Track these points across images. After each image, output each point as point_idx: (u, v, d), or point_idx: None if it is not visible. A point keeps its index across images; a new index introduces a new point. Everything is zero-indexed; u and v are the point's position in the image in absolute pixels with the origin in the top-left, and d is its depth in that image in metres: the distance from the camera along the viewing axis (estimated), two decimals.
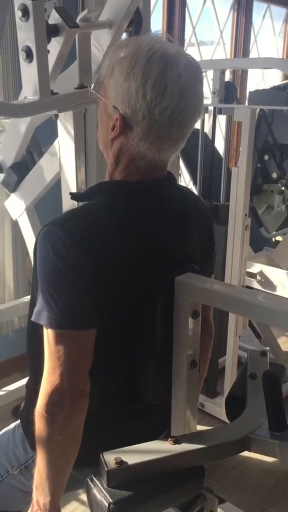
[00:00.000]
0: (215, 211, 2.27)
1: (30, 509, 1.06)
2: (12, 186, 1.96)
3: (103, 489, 0.88)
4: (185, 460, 0.94)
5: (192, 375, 1.07)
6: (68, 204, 1.61)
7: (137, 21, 1.56)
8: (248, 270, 2.16)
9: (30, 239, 2.08)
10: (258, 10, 4.03)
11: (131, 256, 1.00)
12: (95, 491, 0.89)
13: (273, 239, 3.01)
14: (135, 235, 1.01)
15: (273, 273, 2.11)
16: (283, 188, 2.74)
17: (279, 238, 2.98)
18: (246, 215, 2.09)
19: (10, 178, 1.95)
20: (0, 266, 2.39)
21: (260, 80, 4.23)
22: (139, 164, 1.01)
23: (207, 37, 3.79)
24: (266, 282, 2.12)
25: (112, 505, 0.86)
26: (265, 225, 2.67)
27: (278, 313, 0.91)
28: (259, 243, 2.67)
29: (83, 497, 1.90)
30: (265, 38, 4.25)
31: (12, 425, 1.26)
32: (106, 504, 0.86)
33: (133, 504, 0.88)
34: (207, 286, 1.03)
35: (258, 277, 2.12)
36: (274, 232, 2.71)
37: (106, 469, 0.87)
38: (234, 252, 2.13)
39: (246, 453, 2.21)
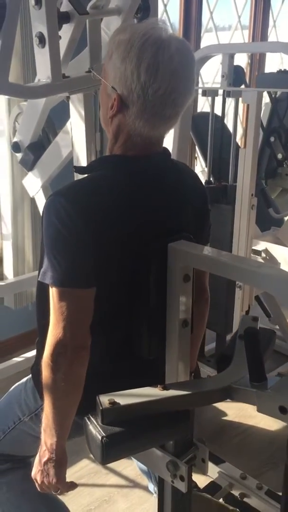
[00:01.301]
0: (223, 191, 2.35)
1: (39, 450, 1.18)
2: (30, 165, 2.09)
3: (97, 425, 1.00)
4: (172, 404, 1.04)
5: (184, 333, 1.16)
6: None
7: (145, 7, 1.65)
8: (254, 247, 2.24)
9: None
10: None
11: (128, 224, 1.10)
12: (90, 427, 1.01)
13: (285, 219, 3.07)
14: (132, 205, 1.11)
15: (278, 251, 2.19)
16: None
17: None
18: (252, 194, 2.17)
19: (27, 158, 2.08)
20: (20, 241, 2.52)
21: (279, 64, 4.24)
22: (135, 140, 1.11)
23: (225, 23, 3.84)
24: (271, 259, 2.20)
25: (104, 439, 0.97)
26: (274, 205, 2.74)
27: (256, 274, 1.00)
28: (270, 224, 2.73)
29: None
30: (285, 23, 4.26)
31: (24, 379, 1.38)
32: (100, 437, 0.98)
33: (123, 439, 1.00)
34: (197, 252, 1.12)
35: (263, 254, 2.21)
36: (282, 213, 2.78)
37: (101, 408, 0.99)
38: (241, 230, 2.22)
39: (249, 423, 2.33)
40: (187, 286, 1.13)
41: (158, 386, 1.05)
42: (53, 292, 1.07)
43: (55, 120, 2.10)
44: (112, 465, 1.99)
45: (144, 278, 1.13)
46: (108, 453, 0.99)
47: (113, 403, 1.00)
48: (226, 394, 1.08)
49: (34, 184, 2.14)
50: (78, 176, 1.65)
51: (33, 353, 2.32)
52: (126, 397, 1.02)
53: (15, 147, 2.10)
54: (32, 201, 2.38)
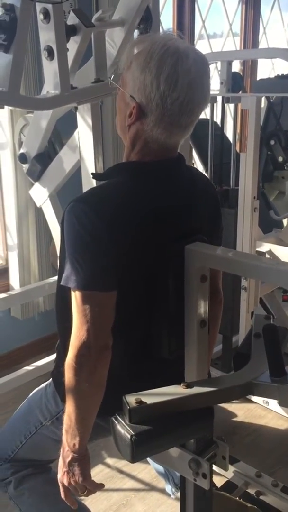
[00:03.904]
0: (225, 195, 2.40)
1: (61, 450, 1.20)
2: (36, 175, 2.12)
3: (126, 425, 1.02)
4: (196, 401, 1.07)
5: (202, 333, 1.19)
6: None
7: (147, 18, 1.70)
8: (258, 249, 2.28)
9: (53, 224, 2.22)
10: (267, 2, 4.12)
11: (146, 227, 1.13)
12: (119, 427, 1.03)
13: (285, 220, 3.11)
14: (149, 208, 1.14)
15: (281, 251, 2.23)
16: None
17: None
18: (254, 197, 2.22)
19: (34, 168, 2.11)
20: (25, 251, 2.54)
21: (270, 70, 4.31)
22: (152, 147, 1.15)
23: (217, 30, 3.90)
24: (275, 259, 2.24)
25: (133, 437, 1.00)
26: (274, 208, 2.78)
27: (274, 271, 1.04)
28: (270, 226, 2.78)
29: (108, 460, 2.06)
30: (275, 29, 4.34)
31: (43, 384, 1.40)
32: (129, 436, 1.00)
33: (152, 437, 1.02)
34: (213, 252, 1.16)
35: (267, 256, 2.25)
36: (283, 215, 2.83)
37: (128, 407, 1.01)
38: (244, 233, 2.26)
39: (259, 423, 2.35)
40: (204, 287, 1.16)
41: (182, 384, 1.08)
42: (76, 295, 1.10)
43: (61, 131, 2.14)
44: (127, 469, 2.01)
45: (163, 280, 1.16)
46: (138, 451, 1.01)
47: (140, 402, 1.02)
48: (247, 390, 1.11)
49: (41, 194, 2.16)
50: (86, 185, 1.69)
51: (42, 362, 2.38)
52: (152, 396, 1.05)
53: (22, 158, 2.14)
54: (37, 211, 2.41)
